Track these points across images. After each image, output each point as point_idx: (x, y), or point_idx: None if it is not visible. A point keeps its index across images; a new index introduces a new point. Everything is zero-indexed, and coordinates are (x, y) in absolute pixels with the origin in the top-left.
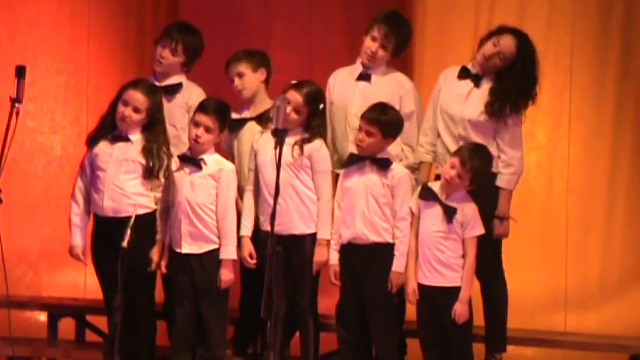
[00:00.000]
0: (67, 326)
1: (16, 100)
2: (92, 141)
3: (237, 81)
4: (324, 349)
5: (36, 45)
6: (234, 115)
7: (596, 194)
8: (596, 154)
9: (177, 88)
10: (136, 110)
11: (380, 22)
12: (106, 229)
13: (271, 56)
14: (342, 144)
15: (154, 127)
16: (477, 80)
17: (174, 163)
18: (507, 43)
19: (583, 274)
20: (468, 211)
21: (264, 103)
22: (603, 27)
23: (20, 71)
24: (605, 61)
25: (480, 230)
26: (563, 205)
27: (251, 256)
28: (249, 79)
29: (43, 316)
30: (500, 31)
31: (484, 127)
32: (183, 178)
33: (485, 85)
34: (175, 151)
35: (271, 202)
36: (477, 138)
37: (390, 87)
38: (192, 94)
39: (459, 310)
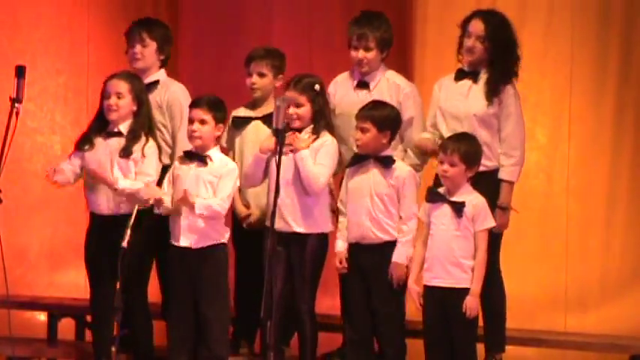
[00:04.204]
0: (67, 326)
1: (16, 100)
2: (83, 141)
3: (255, 78)
4: (324, 349)
5: (36, 45)
6: (240, 113)
7: (596, 194)
8: (596, 154)
9: (152, 87)
10: (119, 96)
11: (352, 29)
12: (102, 227)
13: None
14: (347, 154)
15: (140, 111)
16: (474, 76)
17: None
18: (475, 26)
19: (583, 274)
20: (478, 203)
21: (271, 105)
22: (603, 27)
23: (20, 71)
24: (606, 61)
25: (490, 222)
26: (563, 205)
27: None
28: (269, 81)
29: (43, 316)
30: (468, 19)
31: (490, 121)
32: (187, 172)
33: (483, 77)
34: None
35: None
36: (483, 134)
37: (389, 94)
38: (169, 90)
39: (470, 303)
